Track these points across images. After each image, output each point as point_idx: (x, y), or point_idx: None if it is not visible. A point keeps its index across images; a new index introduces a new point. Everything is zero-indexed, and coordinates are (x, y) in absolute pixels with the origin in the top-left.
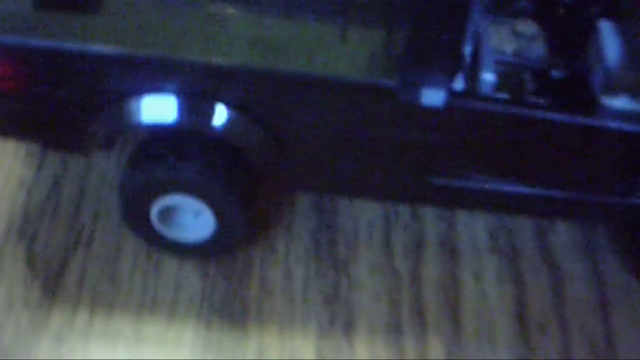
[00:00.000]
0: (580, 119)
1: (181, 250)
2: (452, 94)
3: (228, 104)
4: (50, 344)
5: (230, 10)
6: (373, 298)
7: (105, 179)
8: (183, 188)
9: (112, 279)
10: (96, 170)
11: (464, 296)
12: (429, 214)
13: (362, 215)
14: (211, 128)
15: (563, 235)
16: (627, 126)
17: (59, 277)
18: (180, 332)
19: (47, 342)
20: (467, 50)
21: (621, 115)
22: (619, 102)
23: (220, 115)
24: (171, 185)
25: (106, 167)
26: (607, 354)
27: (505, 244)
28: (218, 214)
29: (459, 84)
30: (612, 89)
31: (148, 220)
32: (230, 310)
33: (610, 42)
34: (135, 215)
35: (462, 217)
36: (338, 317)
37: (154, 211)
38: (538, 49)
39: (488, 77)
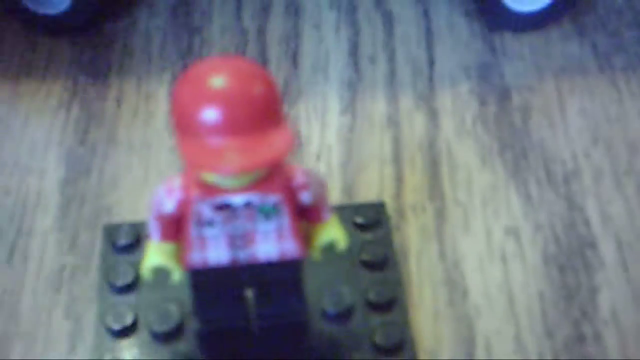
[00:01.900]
0: None
1: (52, 26)
2: None
3: None
4: None
5: None
6: (222, 52)
7: None
8: None
9: None
10: None
11: (303, 43)
12: None
13: None
14: None
15: None
16: None
17: None
18: (51, 87)
19: None
20: None
21: None
22: None
23: None
24: None
25: None
26: (430, 72)
27: (345, 2)
28: None
29: None
30: None
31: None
32: (95, 68)
33: None
34: None
35: None
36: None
37: None
38: None
39: None
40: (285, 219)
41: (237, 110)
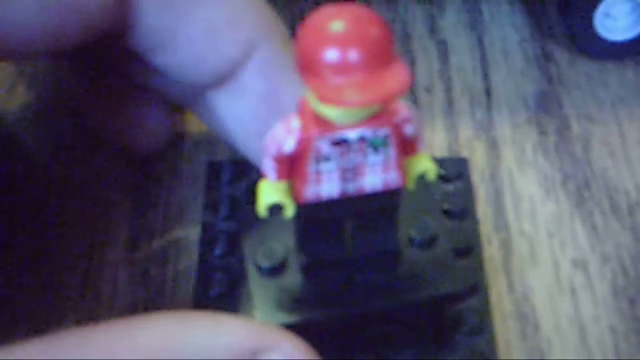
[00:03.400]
0: None
1: None
2: None
3: None
4: None
5: None
6: None
7: None
8: None
9: None
10: None
11: None
12: None
13: None
14: None
15: (451, 16)
16: None
17: None
18: None
19: None
20: None
21: None
22: None
23: None
24: None
25: None
26: (487, 101)
27: (399, 30)
28: None
29: None
30: None
31: None
32: None
33: None
34: None
35: None
36: None
37: None
38: None
39: None
40: (391, 151)
41: (356, 50)
